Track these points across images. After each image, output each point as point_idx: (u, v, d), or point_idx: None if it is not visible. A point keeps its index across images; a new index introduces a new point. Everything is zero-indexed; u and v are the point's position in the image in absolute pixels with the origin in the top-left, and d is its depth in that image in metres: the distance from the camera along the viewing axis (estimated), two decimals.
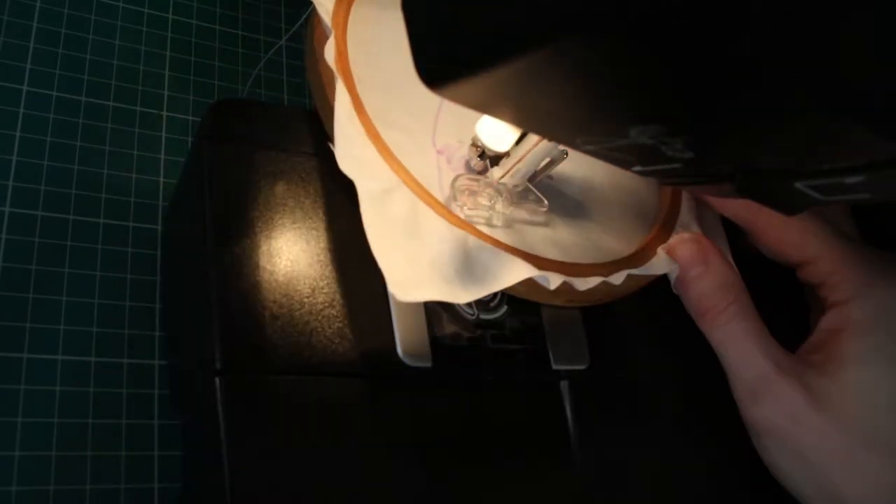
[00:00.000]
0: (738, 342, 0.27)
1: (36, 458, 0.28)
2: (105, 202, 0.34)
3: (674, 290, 0.29)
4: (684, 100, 0.15)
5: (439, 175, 0.29)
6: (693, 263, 0.28)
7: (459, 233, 0.26)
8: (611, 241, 0.30)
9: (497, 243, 0.27)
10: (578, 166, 0.32)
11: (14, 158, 0.33)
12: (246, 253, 0.25)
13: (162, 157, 0.37)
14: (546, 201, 0.30)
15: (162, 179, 0.36)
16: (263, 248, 0.26)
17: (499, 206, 0.29)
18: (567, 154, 0.27)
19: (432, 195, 0.27)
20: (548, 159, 0.27)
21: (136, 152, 0.36)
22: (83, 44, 0.37)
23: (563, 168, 0.29)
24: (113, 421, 0.30)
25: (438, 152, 0.29)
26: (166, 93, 0.38)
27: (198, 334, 0.25)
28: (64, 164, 0.34)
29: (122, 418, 0.30)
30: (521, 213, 0.30)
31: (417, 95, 0.27)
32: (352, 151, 0.26)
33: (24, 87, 0.35)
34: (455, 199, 0.28)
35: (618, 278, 0.28)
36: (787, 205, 0.20)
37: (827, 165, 0.16)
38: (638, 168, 0.20)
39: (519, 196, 0.29)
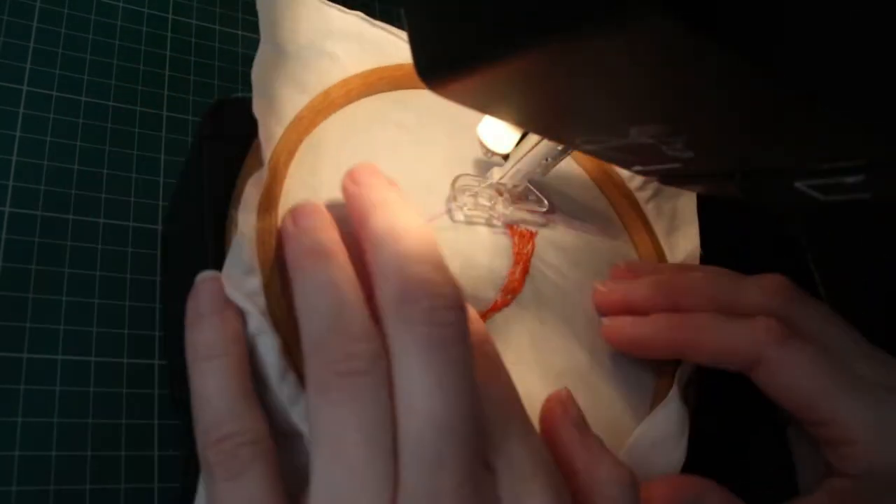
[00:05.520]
0: None
1: (36, 458, 0.28)
2: (105, 202, 0.34)
3: None
4: (686, 100, 0.15)
5: None
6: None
7: None
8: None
9: None
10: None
11: (14, 158, 0.33)
12: None
13: (162, 157, 0.37)
14: (546, 201, 0.30)
15: (162, 179, 0.36)
16: None
17: (499, 207, 0.29)
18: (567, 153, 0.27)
19: None
20: (548, 159, 0.27)
21: (136, 152, 0.36)
22: (83, 44, 0.37)
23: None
24: (113, 421, 0.30)
25: None
26: (166, 93, 0.38)
27: None
28: (64, 164, 0.34)
29: (122, 418, 0.30)
30: (522, 214, 0.30)
31: None
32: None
33: (24, 87, 0.35)
34: (455, 199, 0.28)
35: None
36: (787, 205, 0.20)
37: (827, 165, 0.16)
38: (638, 167, 0.20)
39: (519, 196, 0.29)
